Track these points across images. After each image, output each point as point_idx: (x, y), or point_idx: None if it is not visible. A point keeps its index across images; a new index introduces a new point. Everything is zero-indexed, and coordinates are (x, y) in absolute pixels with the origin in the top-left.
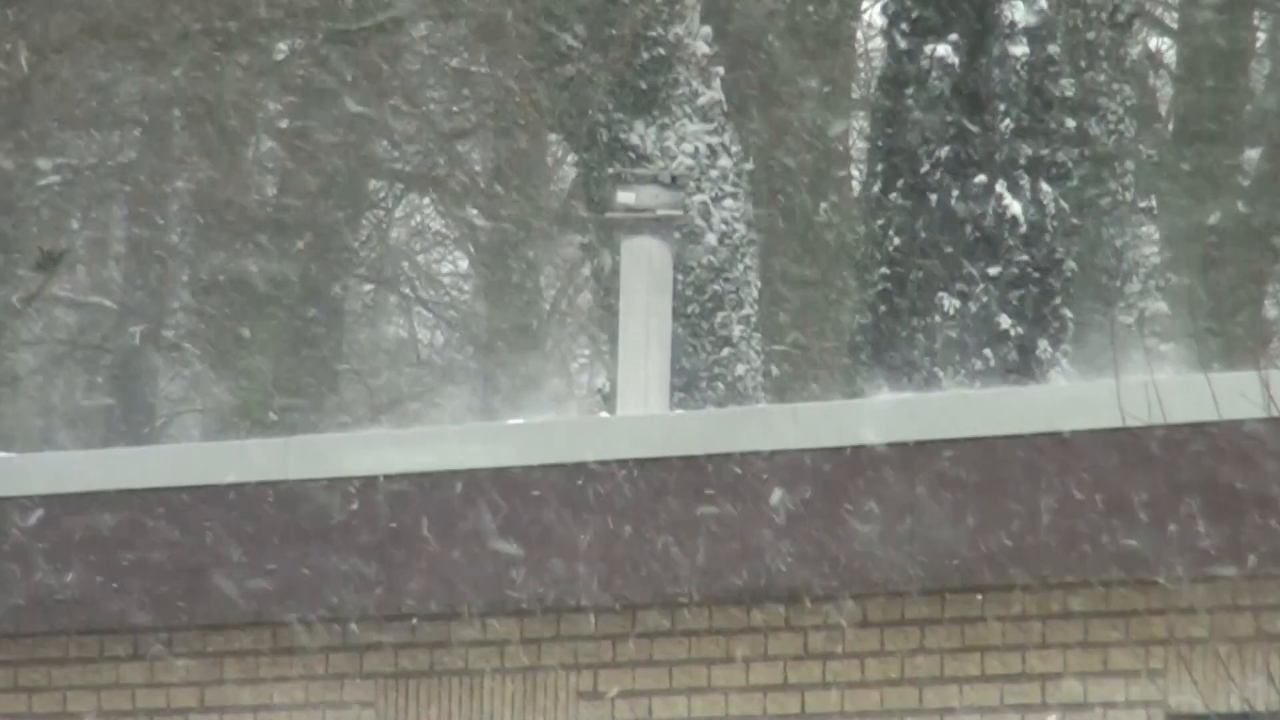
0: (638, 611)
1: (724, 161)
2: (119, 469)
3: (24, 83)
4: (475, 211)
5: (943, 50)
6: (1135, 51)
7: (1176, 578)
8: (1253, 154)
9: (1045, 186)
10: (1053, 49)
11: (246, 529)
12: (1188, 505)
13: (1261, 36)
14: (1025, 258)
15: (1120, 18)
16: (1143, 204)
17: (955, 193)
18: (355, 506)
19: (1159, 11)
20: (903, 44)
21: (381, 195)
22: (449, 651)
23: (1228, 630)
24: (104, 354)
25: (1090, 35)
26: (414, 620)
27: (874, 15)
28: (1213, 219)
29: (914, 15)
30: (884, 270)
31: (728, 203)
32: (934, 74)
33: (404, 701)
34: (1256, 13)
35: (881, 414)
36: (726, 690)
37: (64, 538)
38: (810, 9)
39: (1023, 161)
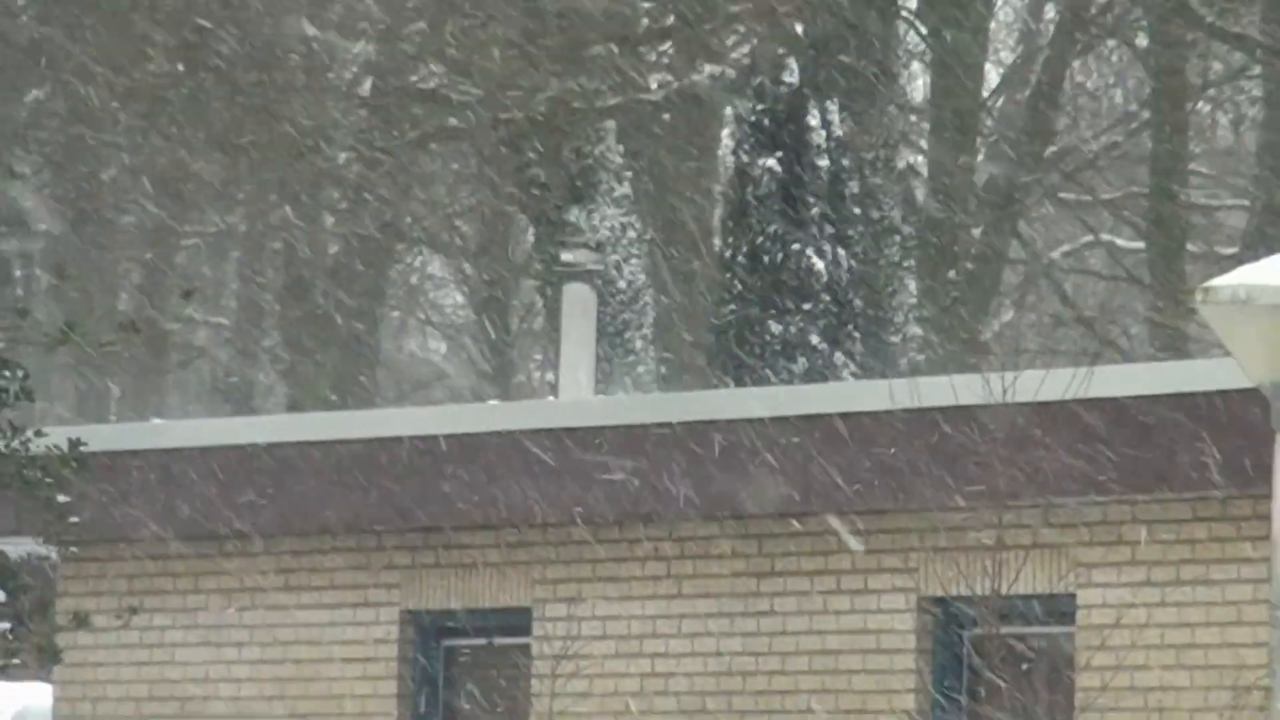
0: (573, 526)
1: (630, 234)
2: (227, 431)
3: (179, 186)
4: (467, 264)
5: (771, 161)
6: (899, 164)
7: (926, 507)
8: (975, 232)
9: (841, 251)
10: (845, 161)
11: (321, 473)
12: (934, 460)
13: (980, 157)
14: (827, 297)
15: (890, 141)
16: (905, 264)
17: (780, 255)
18: (389, 456)
19: (914, 139)
20: (745, 158)
21: (406, 253)
22: (450, 552)
23: (959, 542)
24: (221, 355)
25: (869, 154)
26: (426, 531)
27: (727, 138)
28: (951, 274)
29: (753, 139)
30: (733, 305)
31: (633, 261)
32: (766, 177)
33: (421, 583)
34: (978, 139)
35: (731, 400)
36: (654, 578)
37: (186, 475)
38: (686, 136)
39: (825, 235)
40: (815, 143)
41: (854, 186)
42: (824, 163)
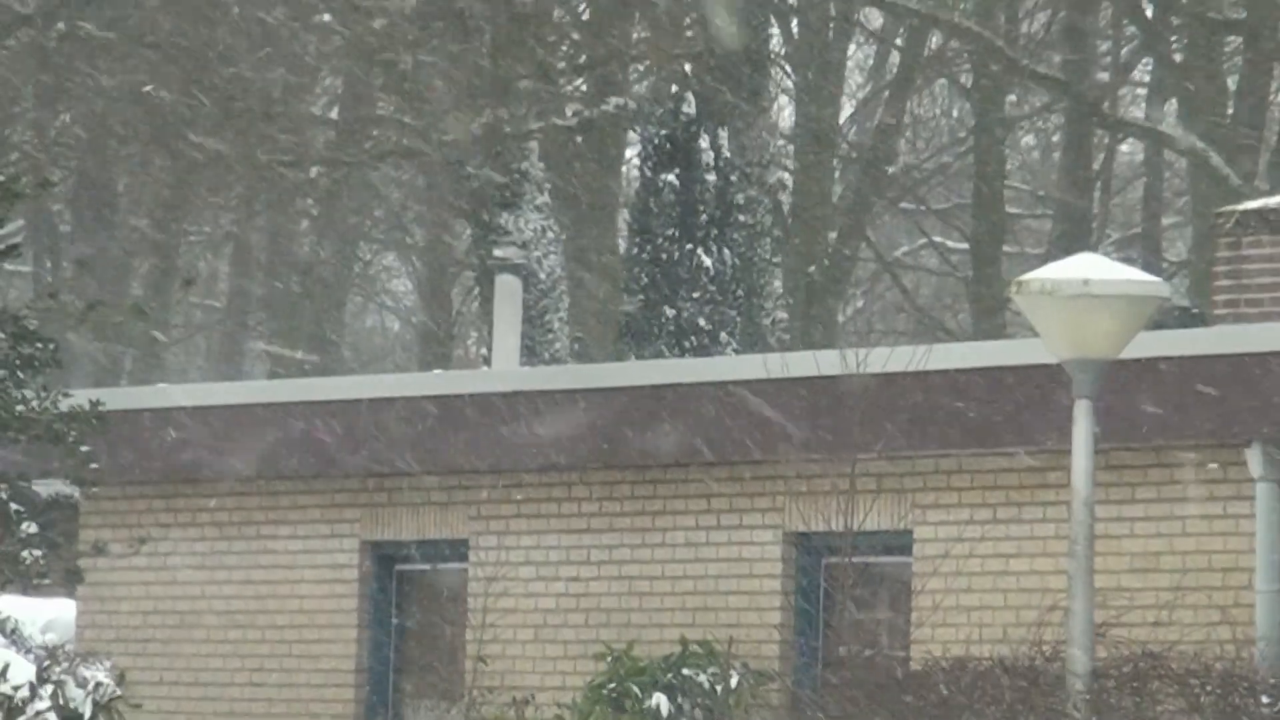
0: (502, 473)
1: (549, 235)
2: (219, 394)
3: (175, 207)
4: (416, 259)
5: (670, 177)
6: (771, 180)
7: (792, 458)
8: (831, 235)
9: (726, 251)
10: (731, 177)
11: (296, 428)
12: (801, 422)
13: (837, 174)
14: (713, 289)
15: (765, 160)
16: (774, 261)
17: (676, 254)
18: (351, 415)
19: (783, 160)
20: (648, 173)
21: (367, 250)
22: (401, 493)
23: (815, 488)
24: (215, 332)
25: (748, 169)
26: (382, 476)
27: (630, 157)
28: (811, 269)
29: (654, 159)
30: (638, 295)
31: (551, 257)
32: (665, 190)
33: (377, 519)
34: (835, 160)
35: (635, 371)
36: (568, 515)
37: (185, 429)
38: (594, 156)
39: (713, 236)
40: (705, 162)
41: (736, 198)
42: (712, 178)
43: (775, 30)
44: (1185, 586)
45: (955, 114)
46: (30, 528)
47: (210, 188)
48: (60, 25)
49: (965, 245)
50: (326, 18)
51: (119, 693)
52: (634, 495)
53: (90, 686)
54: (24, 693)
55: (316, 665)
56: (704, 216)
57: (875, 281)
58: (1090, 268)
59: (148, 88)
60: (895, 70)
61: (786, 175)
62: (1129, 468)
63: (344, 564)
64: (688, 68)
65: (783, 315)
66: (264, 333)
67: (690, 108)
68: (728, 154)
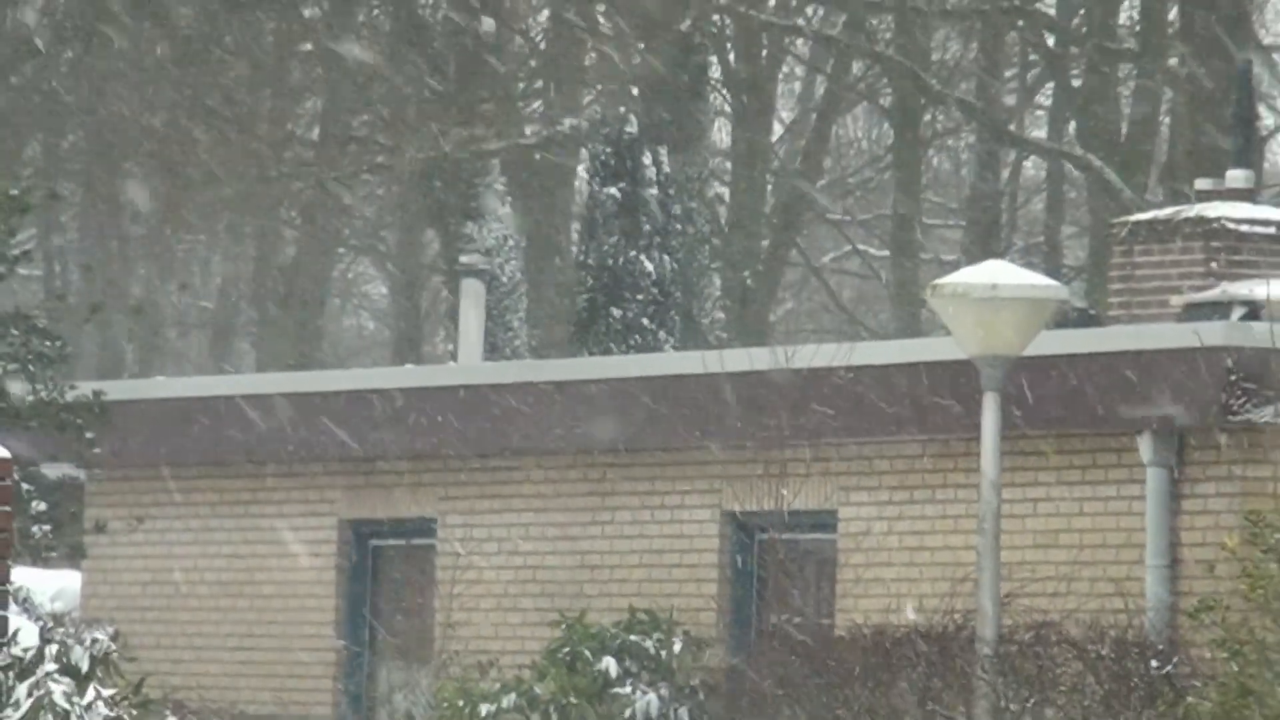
0: (468, 457)
1: (510, 242)
2: (211, 386)
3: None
4: (390, 264)
5: (614, 190)
6: (710, 193)
7: (728, 444)
8: (764, 243)
9: (666, 257)
10: (670, 190)
11: (281, 417)
12: (733, 410)
13: (769, 187)
14: (655, 292)
15: (703, 173)
16: (712, 266)
17: (621, 260)
18: (331, 404)
19: (722, 175)
20: (596, 187)
21: (346, 256)
22: (375, 475)
23: (749, 471)
24: (210, 329)
25: (687, 183)
26: (358, 460)
27: (582, 171)
28: (745, 274)
29: (601, 173)
30: (586, 296)
31: (511, 262)
32: (610, 202)
33: (354, 499)
34: (767, 175)
35: (586, 366)
36: (527, 496)
37: (180, 418)
38: (548, 173)
39: (655, 244)
40: (648, 176)
41: (676, 208)
42: (653, 192)
43: (714, 59)
44: (1082, 561)
45: (876, 134)
46: (39, 506)
47: (203, 203)
48: (69, 54)
49: (886, 252)
50: (308, 46)
51: (114, 647)
52: (586, 478)
53: (88, 643)
54: (33, 655)
55: (300, 631)
56: (646, 226)
57: (804, 285)
58: (998, 273)
59: (146, 111)
60: (822, 93)
61: (723, 189)
62: (1032, 454)
63: (324, 540)
64: (634, 91)
65: (720, 316)
66: (251, 330)
67: (633, 128)
68: (668, 169)
